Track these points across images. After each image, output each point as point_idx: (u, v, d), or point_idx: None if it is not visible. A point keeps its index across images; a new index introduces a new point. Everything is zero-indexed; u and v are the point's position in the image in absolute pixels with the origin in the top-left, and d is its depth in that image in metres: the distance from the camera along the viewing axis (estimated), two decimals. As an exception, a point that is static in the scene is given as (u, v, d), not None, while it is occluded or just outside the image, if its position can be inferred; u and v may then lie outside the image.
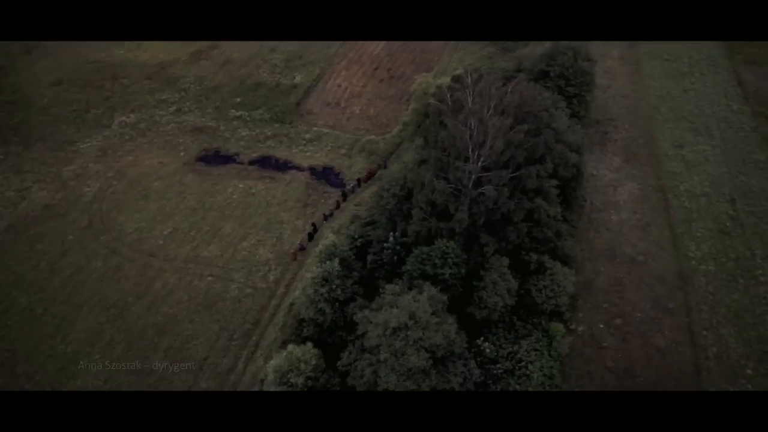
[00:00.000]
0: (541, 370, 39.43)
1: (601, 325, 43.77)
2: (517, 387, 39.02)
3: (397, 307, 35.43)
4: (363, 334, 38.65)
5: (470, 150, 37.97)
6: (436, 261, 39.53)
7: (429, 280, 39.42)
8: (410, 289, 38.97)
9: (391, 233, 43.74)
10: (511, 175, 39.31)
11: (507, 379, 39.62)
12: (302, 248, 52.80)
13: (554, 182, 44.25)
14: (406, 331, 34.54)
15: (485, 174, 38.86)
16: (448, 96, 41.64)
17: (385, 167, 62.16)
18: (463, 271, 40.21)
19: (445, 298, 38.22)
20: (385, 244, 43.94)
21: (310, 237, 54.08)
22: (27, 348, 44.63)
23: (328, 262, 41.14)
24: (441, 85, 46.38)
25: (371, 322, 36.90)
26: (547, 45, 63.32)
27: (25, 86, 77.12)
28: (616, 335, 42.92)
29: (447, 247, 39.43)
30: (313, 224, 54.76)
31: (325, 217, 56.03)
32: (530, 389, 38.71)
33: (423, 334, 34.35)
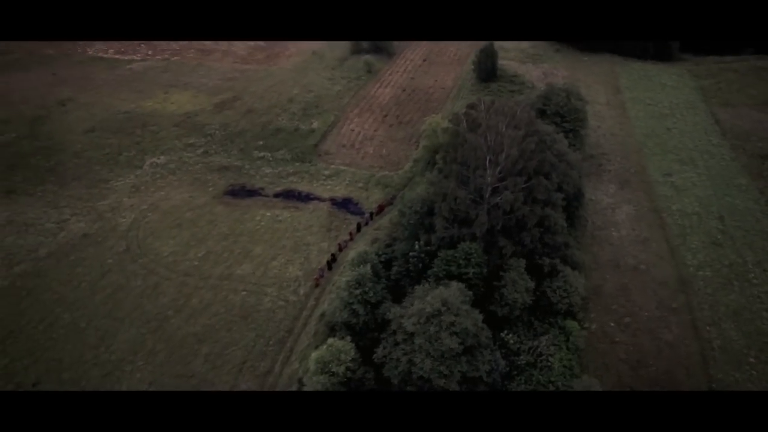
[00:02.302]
0: (560, 362, 42.54)
1: (612, 324, 47.25)
2: (540, 377, 41.91)
3: (431, 298, 39.13)
4: (394, 332, 42.08)
5: (488, 161, 43.30)
6: (461, 261, 43.66)
7: (454, 279, 43.30)
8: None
9: (416, 242, 47.99)
10: (524, 185, 44.47)
11: (530, 370, 42.57)
12: (322, 275, 56.18)
13: (560, 195, 49.38)
14: (439, 317, 38.02)
15: (501, 183, 43.97)
16: (464, 120, 47.63)
17: (391, 204, 66.97)
18: (484, 270, 44.23)
19: (470, 293, 41.95)
20: (411, 253, 48.04)
21: (329, 266, 57.74)
22: (72, 357, 46.94)
23: (361, 266, 45.06)
24: (457, 112, 52.50)
25: (405, 314, 40.39)
26: (543, 87, 70.97)
27: (60, 134, 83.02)
28: (626, 332, 46.33)
29: (470, 248, 43.71)
30: (333, 255, 58.38)
31: (340, 248, 59.67)
32: (552, 379, 41.66)
33: (455, 319, 37.84)
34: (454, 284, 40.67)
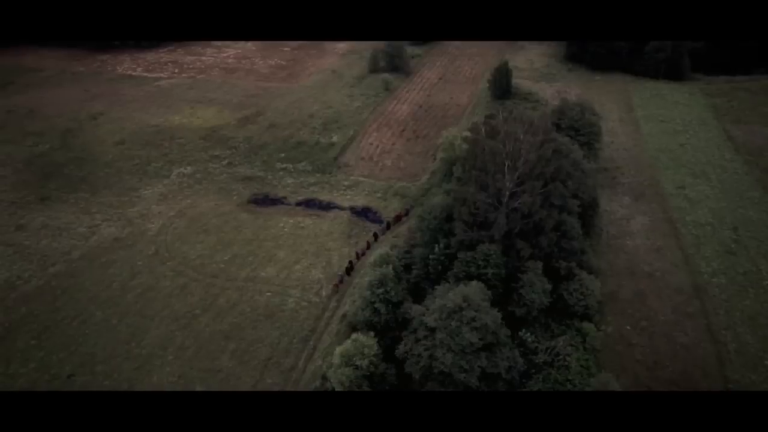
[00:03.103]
0: (578, 362, 43.53)
1: (628, 327, 48.23)
2: (558, 376, 42.86)
3: (452, 294, 40.71)
4: (415, 330, 43.57)
5: (506, 167, 45.25)
6: (480, 262, 45.24)
7: (473, 279, 44.79)
8: (457, 288, 44.30)
9: (436, 245, 49.74)
10: (541, 190, 46.23)
11: (548, 369, 43.58)
12: (342, 281, 57.86)
13: (576, 202, 51.01)
14: (460, 312, 39.50)
15: (519, 188, 45.79)
16: (483, 128, 49.84)
17: (407, 214, 68.89)
18: (503, 272, 45.71)
19: (489, 292, 43.39)
20: (431, 256, 49.76)
21: (348, 272, 59.49)
22: (105, 352, 48.96)
23: (384, 266, 46.87)
24: (476, 121, 54.75)
25: (427, 312, 41.95)
26: (557, 103, 73.16)
27: (92, 145, 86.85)
28: (642, 335, 47.27)
29: (489, 249, 45.31)
30: (350, 261, 60.13)
31: (358, 256, 61.36)
32: (570, 377, 42.62)
33: (475, 314, 39.29)
34: (474, 283, 42.22)
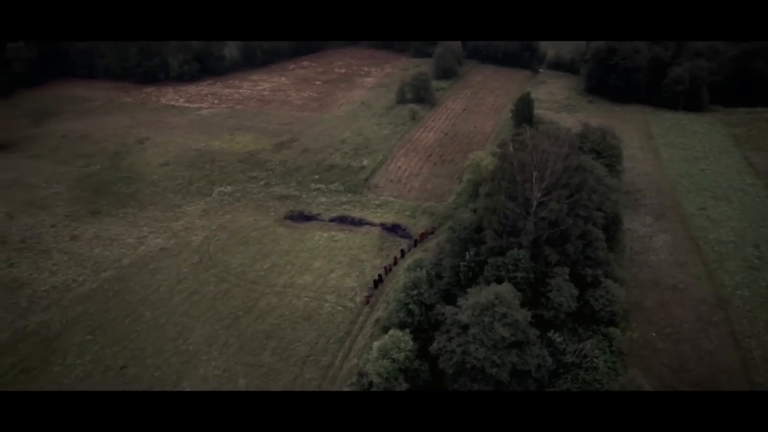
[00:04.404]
0: (605, 363, 45.24)
1: (654, 333, 49.81)
2: (585, 376, 44.54)
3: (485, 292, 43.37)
4: (448, 330, 46.04)
5: (534, 177, 48.54)
6: (509, 266, 47.91)
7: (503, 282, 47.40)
8: (488, 290, 46.88)
9: (467, 252, 52.63)
10: (567, 200, 49.19)
11: (576, 370, 45.29)
12: (371, 294, 60.60)
13: (600, 214, 53.68)
14: (492, 308, 42.01)
15: (547, 197, 48.87)
16: (511, 144, 53.51)
17: (432, 232, 72.03)
18: (531, 276, 48.23)
19: (519, 294, 45.86)
20: (461, 263, 52.58)
21: (376, 285, 62.28)
22: (154, 347, 52.31)
23: (418, 270, 49.87)
24: (505, 138, 58.48)
25: (459, 311, 44.53)
26: (579, 128, 76.72)
27: (139, 166, 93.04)
28: (667, 341, 48.78)
29: (518, 254, 48.05)
30: (379, 275, 62.85)
31: (386, 271, 64.22)
32: (597, 377, 44.25)
33: (507, 310, 41.76)
34: (505, 283, 44.83)
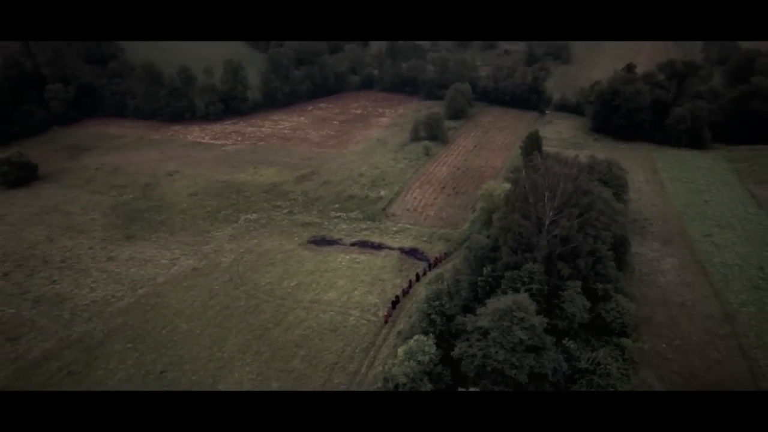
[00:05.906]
0: (618, 370, 47.84)
1: (664, 345, 52.50)
2: (600, 381, 47.10)
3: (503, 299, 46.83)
4: (468, 338, 49.19)
5: (546, 197, 52.86)
6: (525, 279, 51.46)
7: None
8: (505, 301, 50.27)
9: (484, 268, 56.30)
10: (577, 218, 53.22)
11: (590, 376, 47.90)
12: (389, 314, 63.74)
13: (609, 234, 57.48)
14: (511, 313, 45.35)
15: (558, 215, 52.97)
16: (523, 169, 58.15)
17: (446, 257, 75.76)
18: (545, 288, 51.64)
19: (534, 303, 49.17)
20: (479, 278, 56.17)
21: (394, 305, 65.58)
22: (191, 355, 55.62)
23: (439, 282, 53.50)
24: (517, 166, 63.17)
25: (479, 318, 47.84)
26: (586, 160, 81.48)
27: (169, 196, 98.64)
28: (677, 351, 51.42)
29: (533, 268, 51.67)
30: (397, 296, 66.25)
31: (404, 293, 67.58)
32: (611, 382, 46.79)
33: (525, 315, 45.06)
34: (522, 292, 48.31)
